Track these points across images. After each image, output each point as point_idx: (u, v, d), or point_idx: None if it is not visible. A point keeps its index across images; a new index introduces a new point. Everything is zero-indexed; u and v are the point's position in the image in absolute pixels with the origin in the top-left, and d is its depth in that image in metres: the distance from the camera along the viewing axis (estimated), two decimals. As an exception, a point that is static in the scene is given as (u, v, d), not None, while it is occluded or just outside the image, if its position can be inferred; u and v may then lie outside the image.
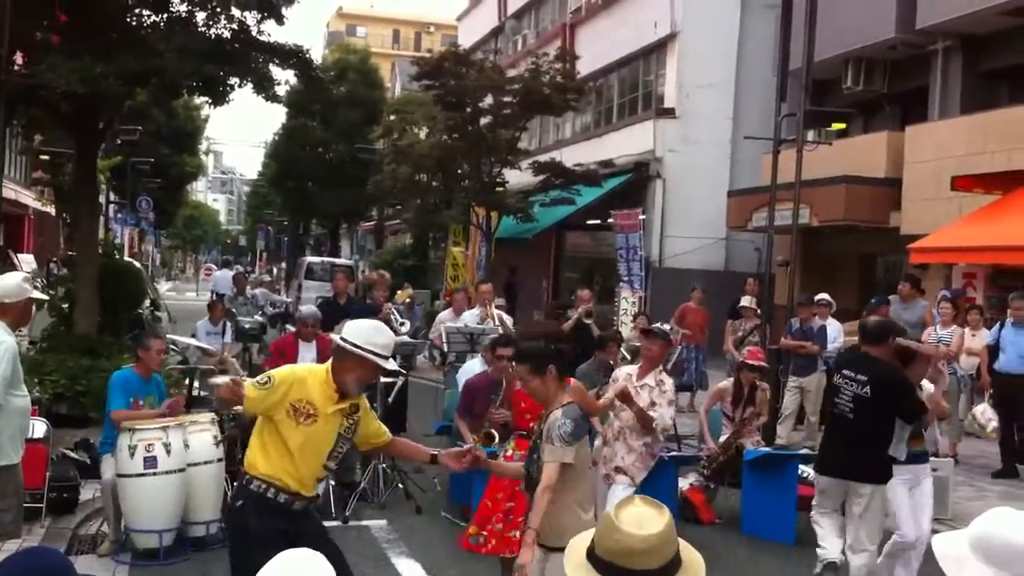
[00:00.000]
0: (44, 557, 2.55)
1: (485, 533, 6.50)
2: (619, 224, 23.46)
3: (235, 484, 5.01)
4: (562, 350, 5.48)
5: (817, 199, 19.42)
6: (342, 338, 4.93)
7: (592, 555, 2.58)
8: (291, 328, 10.99)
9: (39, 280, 16.08)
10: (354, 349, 4.84)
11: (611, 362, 9.77)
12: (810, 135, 17.42)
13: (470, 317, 12.00)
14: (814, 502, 7.47)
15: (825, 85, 21.32)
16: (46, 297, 7.75)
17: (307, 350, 9.79)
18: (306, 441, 4.82)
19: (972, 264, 17.40)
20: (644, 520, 2.53)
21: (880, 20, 20.00)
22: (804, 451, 9.85)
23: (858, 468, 6.99)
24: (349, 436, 5.03)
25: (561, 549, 4.95)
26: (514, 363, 5.83)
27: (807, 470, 9.90)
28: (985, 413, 11.51)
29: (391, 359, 5.00)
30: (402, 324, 12.70)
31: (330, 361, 4.98)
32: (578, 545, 2.68)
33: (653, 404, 7.48)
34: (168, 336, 12.05)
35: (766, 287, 15.51)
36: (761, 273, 17.90)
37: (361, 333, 4.91)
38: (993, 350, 12.11)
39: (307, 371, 4.99)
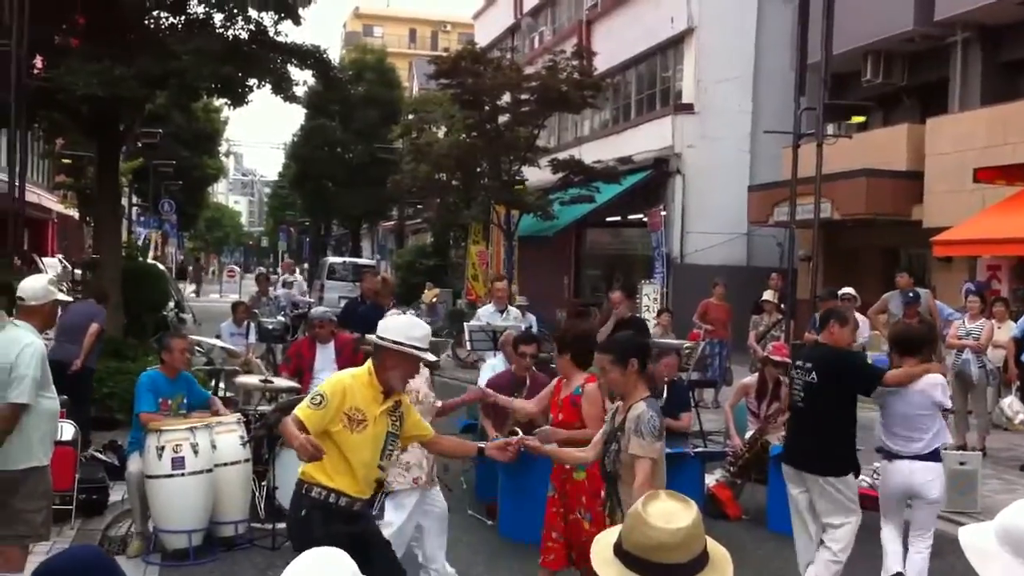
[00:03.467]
0: (90, 553, 2.58)
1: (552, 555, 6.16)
2: (652, 222, 23.72)
3: (295, 494, 5.02)
4: (647, 344, 5.45)
5: (838, 193, 19.35)
6: (379, 336, 4.97)
7: (620, 550, 2.58)
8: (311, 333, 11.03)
9: (64, 283, 16.20)
10: (392, 345, 4.90)
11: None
12: (830, 129, 17.36)
13: (487, 314, 11.96)
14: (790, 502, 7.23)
15: (844, 78, 21.24)
16: (72, 299, 7.80)
17: (324, 351, 9.82)
18: (361, 447, 4.88)
19: (996, 256, 17.30)
20: (672, 514, 2.53)
21: (898, 12, 19.90)
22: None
23: (813, 460, 6.84)
24: (397, 432, 5.10)
25: None
26: (597, 353, 5.73)
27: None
28: (1013, 406, 11.44)
29: (428, 351, 5.04)
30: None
31: (370, 363, 5.01)
32: (605, 541, 2.68)
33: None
34: (192, 338, 12.10)
35: (789, 282, 15.46)
36: (784, 268, 17.87)
37: (398, 329, 4.98)
38: (1020, 342, 12.04)
39: (351, 377, 5.01)
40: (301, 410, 4.85)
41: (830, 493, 6.75)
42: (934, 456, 6.98)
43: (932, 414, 6.95)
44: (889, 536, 7.15)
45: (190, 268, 61.96)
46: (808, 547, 7.00)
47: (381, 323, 5.14)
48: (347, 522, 4.91)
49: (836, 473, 6.76)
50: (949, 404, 7.30)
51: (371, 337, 5.11)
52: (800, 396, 6.95)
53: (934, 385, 6.97)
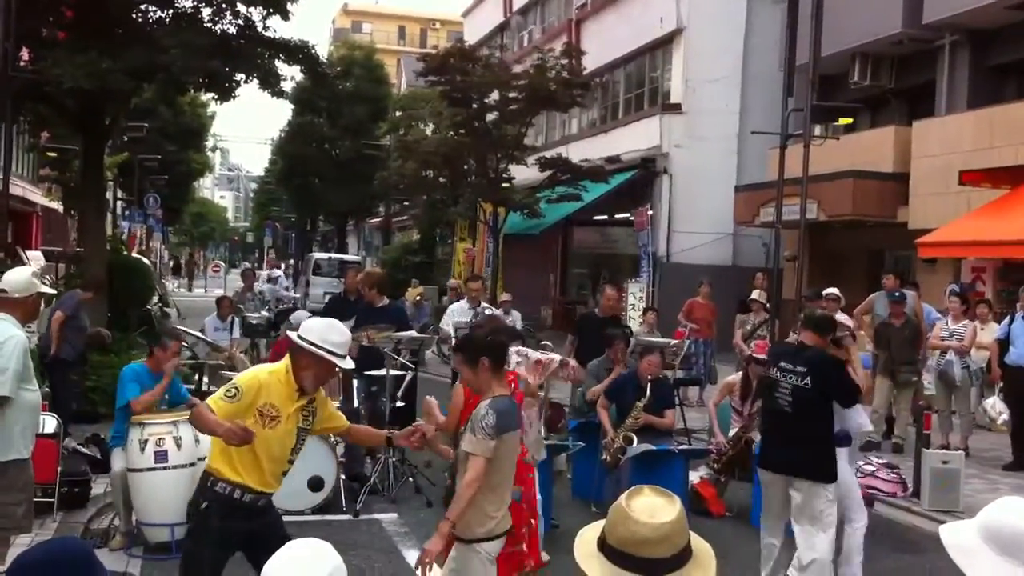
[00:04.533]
0: (68, 546, 2.57)
1: None
2: (638, 222, 23.80)
3: (199, 485, 4.98)
4: (501, 342, 5.31)
5: (824, 194, 19.40)
6: (298, 336, 4.92)
7: (603, 545, 2.58)
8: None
9: (47, 276, 16.12)
10: (309, 347, 4.85)
11: (618, 360, 9.79)
12: (817, 130, 17.41)
13: (459, 311, 11.86)
14: (762, 512, 7.21)
15: (832, 80, 21.29)
16: (55, 292, 7.76)
17: None
18: (271, 443, 4.84)
19: (981, 258, 17.38)
20: (656, 509, 2.54)
21: (887, 15, 19.96)
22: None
23: (799, 464, 6.67)
24: (308, 427, 5.08)
25: (464, 540, 4.97)
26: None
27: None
28: (996, 406, 11.51)
29: (346, 358, 4.96)
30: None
31: (287, 359, 4.97)
32: (587, 536, 2.68)
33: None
34: (178, 331, 12.07)
35: (774, 282, 15.49)
36: (769, 268, 17.90)
37: (316, 331, 4.92)
38: (1003, 344, 12.10)
39: (268, 373, 4.96)
40: (214, 401, 4.79)
41: (815, 500, 6.61)
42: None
43: None
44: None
45: (183, 263, 61.99)
46: (772, 552, 6.97)
47: (304, 323, 5.09)
48: (247, 518, 4.89)
49: (829, 479, 6.63)
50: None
51: (291, 334, 5.06)
52: (788, 400, 6.69)
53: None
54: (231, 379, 9.35)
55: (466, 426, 4.99)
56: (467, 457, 4.86)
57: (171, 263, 60.59)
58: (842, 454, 6.95)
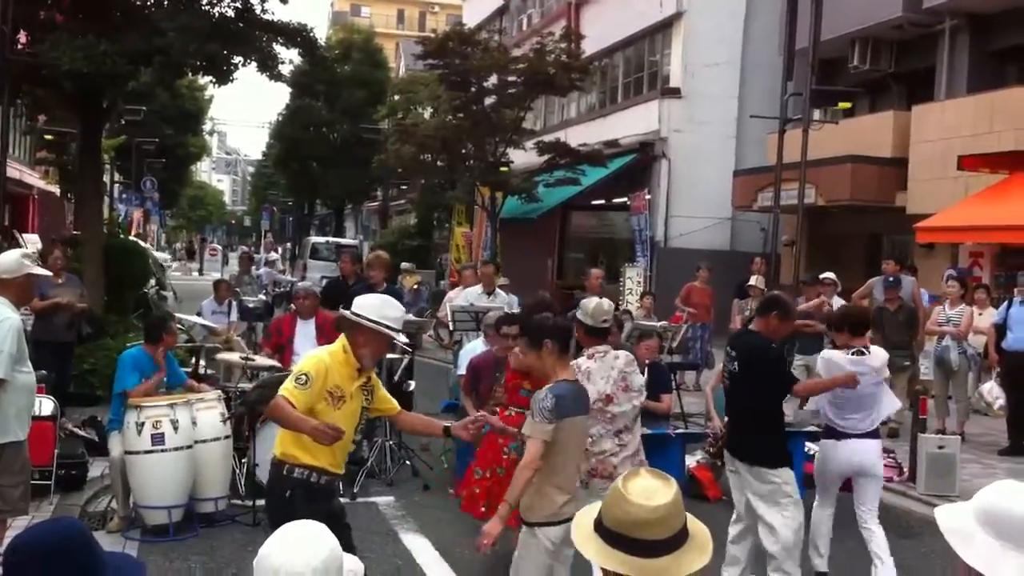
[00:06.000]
0: (65, 526, 2.56)
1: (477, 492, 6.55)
2: (635, 206, 23.78)
3: (274, 475, 5.00)
4: (567, 326, 5.36)
5: (823, 179, 19.38)
6: (355, 312, 4.97)
7: (600, 526, 2.58)
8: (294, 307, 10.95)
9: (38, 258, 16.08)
10: (366, 323, 4.91)
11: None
12: (816, 115, 17.38)
13: (473, 295, 11.97)
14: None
15: (831, 64, 21.25)
16: (49, 273, 7.73)
17: (305, 326, 9.80)
18: (340, 423, 4.86)
19: (978, 243, 17.38)
20: (652, 491, 2.53)
21: (887, -1, 19.91)
22: (811, 428, 9.83)
23: (744, 448, 6.65)
24: (369, 407, 5.15)
25: (528, 524, 4.98)
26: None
27: (814, 447, 9.92)
28: (992, 391, 11.52)
29: (401, 332, 5.07)
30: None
31: (343, 340, 5.01)
32: (585, 517, 2.68)
33: None
34: (175, 316, 12.07)
35: (772, 267, 15.48)
36: (767, 253, 17.91)
37: (373, 307, 5.00)
38: (1000, 329, 12.12)
39: (328, 355, 5.00)
40: (288, 391, 4.80)
41: (760, 484, 6.50)
42: (876, 434, 7.01)
43: (877, 391, 6.92)
44: (824, 517, 7.11)
45: (196, 248, 62.14)
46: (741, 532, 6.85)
47: (357, 300, 5.13)
48: (328, 500, 4.96)
49: (768, 464, 6.49)
50: (887, 372, 7.11)
51: (345, 312, 5.08)
52: (728, 384, 6.78)
53: (883, 362, 6.96)
54: (227, 362, 9.45)
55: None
56: (526, 440, 4.90)
57: (184, 247, 60.82)
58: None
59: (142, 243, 22.39)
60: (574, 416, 4.96)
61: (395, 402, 5.46)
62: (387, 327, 4.93)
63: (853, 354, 6.89)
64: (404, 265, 25.81)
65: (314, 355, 5.14)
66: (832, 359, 7.02)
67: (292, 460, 4.89)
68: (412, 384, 10.45)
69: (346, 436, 4.93)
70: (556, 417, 4.81)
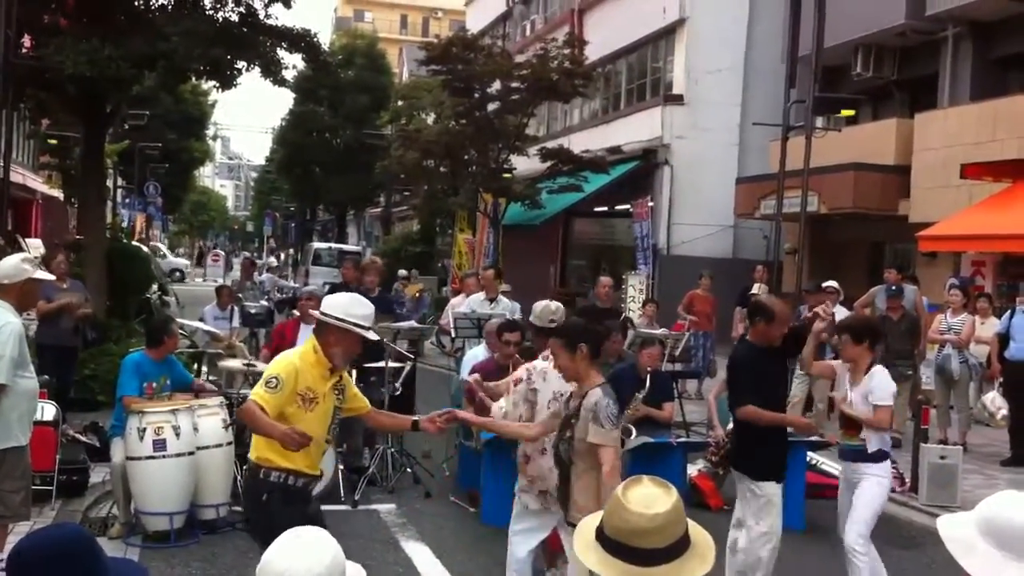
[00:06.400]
0: (69, 532, 2.55)
1: None
2: (637, 213, 23.80)
3: (250, 479, 5.04)
4: (600, 332, 5.42)
5: (826, 186, 19.37)
6: (323, 312, 5.02)
7: (601, 534, 2.58)
8: (297, 313, 10.96)
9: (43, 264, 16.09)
10: (335, 321, 4.95)
11: (617, 351, 9.77)
12: (819, 122, 17.40)
13: (476, 302, 11.97)
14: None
15: (834, 72, 21.25)
16: (51, 277, 7.73)
17: (308, 331, 9.77)
18: (313, 425, 4.91)
19: (981, 252, 17.35)
20: (652, 500, 2.53)
21: (890, 6, 19.90)
22: (813, 438, 9.83)
23: (734, 454, 6.76)
24: (341, 406, 5.19)
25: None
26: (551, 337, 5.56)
27: (816, 457, 9.92)
28: (995, 401, 11.49)
29: (371, 329, 5.08)
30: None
31: (313, 341, 5.04)
32: (588, 525, 2.68)
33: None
34: (177, 320, 12.07)
35: (774, 275, 15.47)
36: (769, 261, 17.90)
37: (340, 306, 5.03)
38: (1003, 339, 12.09)
39: (298, 358, 5.02)
40: (258, 395, 4.82)
41: (749, 496, 6.51)
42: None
43: None
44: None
45: (206, 253, 62.53)
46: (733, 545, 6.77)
47: (325, 300, 5.23)
48: (305, 502, 5.02)
49: (753, 476, 6.49)
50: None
51: (315, 312, 5.13)
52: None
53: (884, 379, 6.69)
54: (229, 368, 9.45)
55: (572, 416, 5.05)
56: (595, 449, 4.92)
57: (196, 253, 61.17)
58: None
59: (162, 248, 22.41)
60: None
61: (366, 400, 5.50)
62: (355, 324, 4.96)
63: None
64: (401, 272, 25.91)
65: (283, 358, 5.14)
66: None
67: (268, 464, 4.91)
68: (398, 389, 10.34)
69: (319, 437, 4.98)
70: (619, 421, 4.92)
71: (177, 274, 48.52)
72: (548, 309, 6.53)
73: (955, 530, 2.42)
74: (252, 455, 5.01)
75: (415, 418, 5.61)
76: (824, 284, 13.78)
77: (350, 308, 5.01)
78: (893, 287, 12.96)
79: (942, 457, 9.81)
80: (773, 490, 6.46)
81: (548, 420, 5.56)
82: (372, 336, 5.09)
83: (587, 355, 5.08)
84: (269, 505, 4.89)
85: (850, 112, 20.61)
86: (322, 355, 4.97)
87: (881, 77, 21.43)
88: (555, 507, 5.58)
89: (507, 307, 11.87)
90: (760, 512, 6.45)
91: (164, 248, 56.88)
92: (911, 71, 21.32)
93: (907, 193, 19.22)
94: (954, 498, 9.57)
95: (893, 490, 10.07)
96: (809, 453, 9.47)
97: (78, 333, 11.75)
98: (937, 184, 18.25)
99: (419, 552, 7.82)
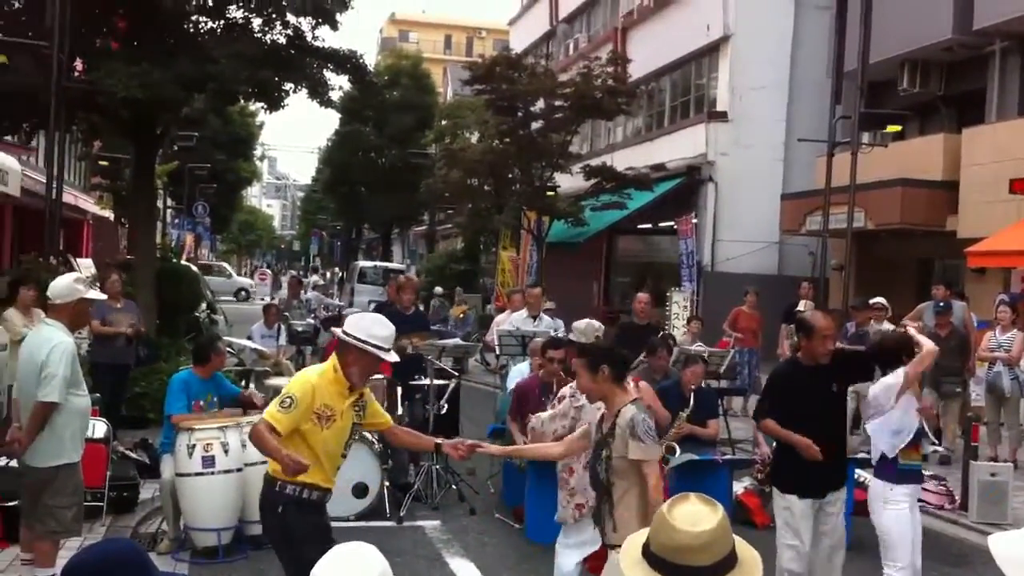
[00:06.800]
0: (122, 548, 2.60)
1: None
2: (681, 230, 23.78)
3: (267, 491, 5.10)
4: (624, 356, 5.47)
5: (872, 202, 19.21)
6: (343, 331, 5.08)
7: (647, 551, 2.59)
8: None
9: (96, 284, 16.32)
10: (354, 342, 5.00)
11: (663, 368, 9.75)
12: (865, 137, 17.27)
13: (519, 319, 12.00)
14: None
15: (880, 87, 21.08)
16: (104, 296, 7.85)
17: None
18: (329, 441, 5.01)
19: (1031, 268, 17.13)
20: (697, 517, 2.53)
21: (936, 21, 19.73)
22: (860, 455, 9.73)
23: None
24: (360, 422, 5.25)
25: (617, 547, 4.98)
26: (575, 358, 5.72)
27: (863, 474, 9.81)
28: (1046, 418, 11.32)
29: (391, 351, 5.11)
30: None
31: (334, 359, 5.11)
32: (634, 542, 2.69)
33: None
34: (225, 338, 12.20)
35: (820, 291, 15.35)
36: (815, 277, 17.77)
37: (361, 326, 5.07)
38: (1053, 354, 11.92)
39: (317, 375, 5.10)
40: (271, 415, 4.89)
41: (775, 502, 6.70)
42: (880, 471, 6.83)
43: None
44: None
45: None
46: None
47: (348, 319, 5.26)
48: (319, 513, 5.09)
49: (778, 487, 6.67)
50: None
51: (336, 331, 5.18)
52: None
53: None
54: (276, 386, 9.54)
55: (607, 435, 5.07)
56: (638, 465, 4.96)
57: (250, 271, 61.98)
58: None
59: (227, 268, 22.64)
60: None
61: (388, 416, 5.58)
62: (374, 346, 5.00)
63: None
64: (437, 289, 26.05)
65: (301, 376, 5.25)
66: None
67: (283, 477, 4.97)
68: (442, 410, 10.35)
69: (335, 452, 5.09)
70: (657, 437, 4.96)
71: (243, 293, 49.86)
72: (592, 327, 6.59)
73: (1009, 548, 2.40)
74: (269, 468, 5.09)
75: (438, 441, 5.66)
76: (871, 300, 13.66)
77: (371, 329, 5.06)
78: (941, 303, 12.82)
79: (992, 474, 9.69)
80: (786, 501, 6.53)
81: (575, 440, 5.60)
82: (391, 358, 5.13)
83: (609, 376, 5.11)
84: (285, 516, 4.99)
85: (896, 128, 20.47)
86: (341, 374, 5.04)
87: (928, 92, 21.22)
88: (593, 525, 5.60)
89: (549, 324, 11.89)
90: (778, 521, 6.61)
91: (230, 268, 57.75)
92: (958, 86, 21.10)
93: (955, 209, 19.02)
94: (1004, 516, 9.45)
95: (943, 507, 10.01)
96: (857, 471, 9.37)
97: (131, 348, 11.92)
98: (985, 199, 18.04)
99: (464, 568, 7.85)
